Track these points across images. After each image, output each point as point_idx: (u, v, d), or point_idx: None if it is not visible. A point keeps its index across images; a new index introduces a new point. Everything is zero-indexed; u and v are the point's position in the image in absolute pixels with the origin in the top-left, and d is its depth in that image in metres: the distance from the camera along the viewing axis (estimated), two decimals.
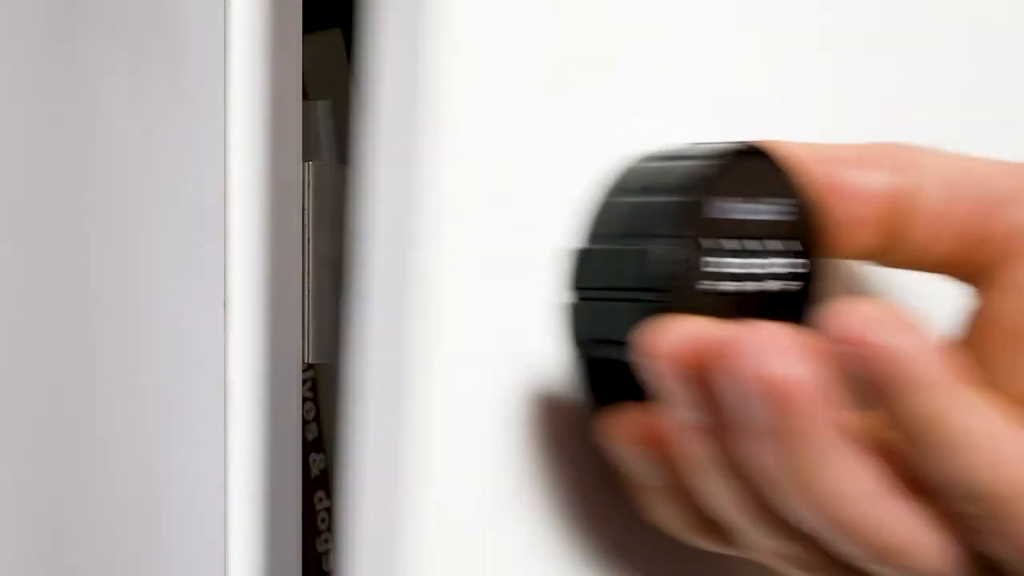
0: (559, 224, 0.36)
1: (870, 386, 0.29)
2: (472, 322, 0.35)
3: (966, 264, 0.35)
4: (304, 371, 0.45)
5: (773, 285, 0.35)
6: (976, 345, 0.34)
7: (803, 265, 0.35)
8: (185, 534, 0.40)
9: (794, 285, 0.35)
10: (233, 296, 0.36)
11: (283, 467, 0.35)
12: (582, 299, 0.35)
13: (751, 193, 0.35)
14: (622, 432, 0.33)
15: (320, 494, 0.46)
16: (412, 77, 0.34)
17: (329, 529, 0.46)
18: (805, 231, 0.35)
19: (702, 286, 0.34)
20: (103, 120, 0.43)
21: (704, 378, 0.30)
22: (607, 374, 0.35)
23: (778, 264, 0.35)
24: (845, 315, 0.29)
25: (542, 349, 0.36)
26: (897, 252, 0.36)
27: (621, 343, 0.33)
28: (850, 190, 0.35)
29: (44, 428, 0.47)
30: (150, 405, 0.41)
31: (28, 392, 0.47)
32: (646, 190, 0.35)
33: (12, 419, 0.48)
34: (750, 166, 0.35)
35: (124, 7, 0.42)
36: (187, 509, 0.39)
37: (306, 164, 0.41)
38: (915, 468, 0.30)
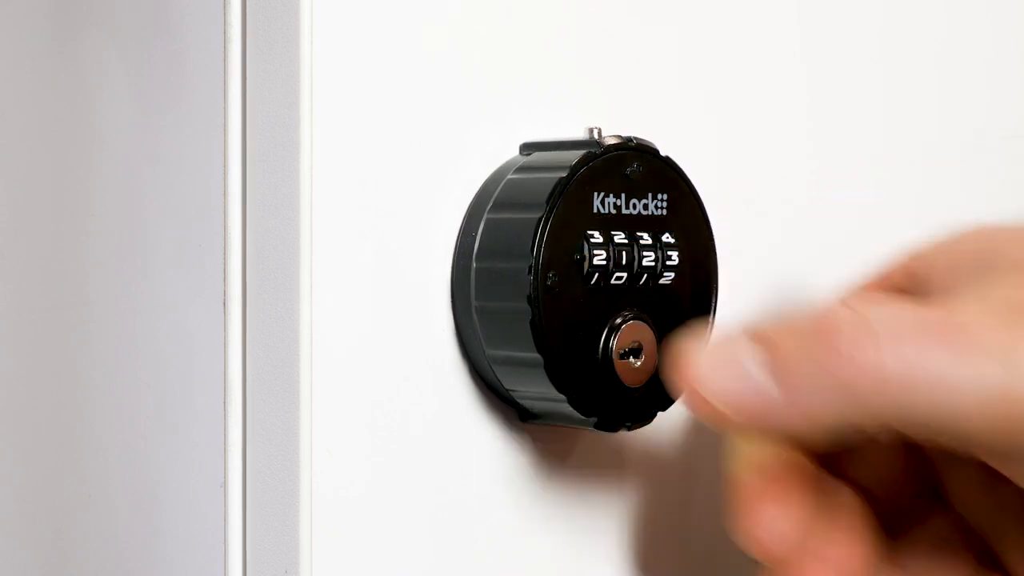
0: (440, 233, 0.36)
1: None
2: (357, 323, 0.35)
3: None
4: None
5: (647, 278, 0.36)
6: None
7: (676, 258, 0.36)
8: (185, 534, 0.40)
9: (668, 277, 0.36)
10: (233, 296, 0.36)
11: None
12: (479, 312, 0.35)
13: (628, 188, 0.36)
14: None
15: None
16: (287, 73, 0.34)
17: None
18: (677, 224, 0.36)
19: (592, 281, 0.35)
20: (103, 120, 0.43)
21: None
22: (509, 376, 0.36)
23: (649, 258, 0.36)
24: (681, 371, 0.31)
25: (428, 348, 0.36)
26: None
27: (517, 351, 0.34)
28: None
29: (44, 428, 0.47)
30: (150, 405, 0.41)
31: (28, 392, 0.48)
32: (522, 205, 0.35)
33: (12, 419, 0.48)
34: (628, 160, 0.36)
35: (124, 7, 0.42)
36: (187, 509, 0.39)
37: None
38: None
